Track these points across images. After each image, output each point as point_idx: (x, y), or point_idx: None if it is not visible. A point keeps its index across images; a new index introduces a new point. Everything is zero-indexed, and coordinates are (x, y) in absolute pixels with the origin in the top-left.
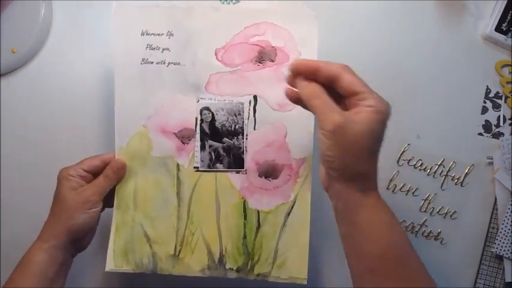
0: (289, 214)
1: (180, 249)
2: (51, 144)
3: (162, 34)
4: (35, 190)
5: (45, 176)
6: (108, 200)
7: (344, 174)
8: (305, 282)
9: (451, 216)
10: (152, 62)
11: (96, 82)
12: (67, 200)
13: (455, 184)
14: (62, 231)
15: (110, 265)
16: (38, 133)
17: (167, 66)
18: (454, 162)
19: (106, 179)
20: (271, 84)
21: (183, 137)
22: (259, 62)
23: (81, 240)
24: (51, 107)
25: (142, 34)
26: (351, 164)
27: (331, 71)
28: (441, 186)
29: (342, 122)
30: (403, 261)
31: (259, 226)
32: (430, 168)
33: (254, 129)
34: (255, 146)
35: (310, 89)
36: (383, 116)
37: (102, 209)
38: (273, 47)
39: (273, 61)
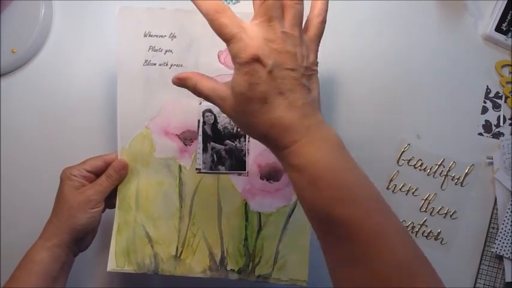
0: (290, 216)
1: (182, 250)
2: (51, 144)
3: (165, 36)
4: (35, 190)
5: (46, 176)
6: (110, 201)
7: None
8: (305, 285)
9: (451, 216)
10: (155, 64)
11: (96, 82)
12: (69, 199)
13: (455, 184)
14: (64, 230)
15: (112, 265)
16: (38, 133)
17: (170, 68)
18: (454, 162)
19: (108, 179)
20: None
21: (186, 138)
22: None
23: (82, 239)
24: (51, 107)
25: (145, 36)
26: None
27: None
28: (441, 186)
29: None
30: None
31: (260, 228)
32: (430, 168)
33: None
34: (256, 148)
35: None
36: None
37: (104, 210)
38: None
39: None
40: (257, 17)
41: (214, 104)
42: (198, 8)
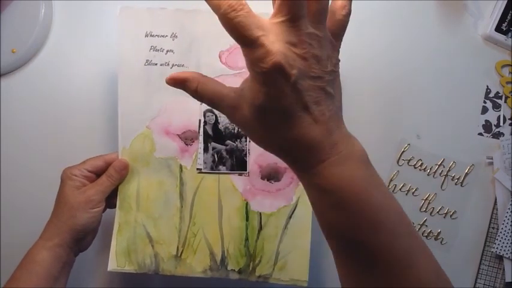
0: (290, 217)
1: (182, 250)
2: (52, 144)
3: (166, 36)
4: (35, 190)
5: (46, 176)
6: (110, 201)
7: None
8: (306, 285)
9: (451, 216)
10: (156, 64)
11: (96, 82)
12: (70, 199)
13: (455, 184)
14: (65, 230)
15: (112, 265)
16: (38, 133)
17: (171, 68)
18: (454, 162)
19: (109, 179)
20: None
21: (187, 138)
22: None
23: (83, 239)
24: (51, 107)
25: (147, 36)
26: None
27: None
28: (441, 186)
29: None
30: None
31: (261, 228)
32: (430, 168)
33: None
34: (257, 148)
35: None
36: None
37: (104, 210)
38: None
39: None
40: (278, 15)
41: (220, 111)
42: (209, 4)
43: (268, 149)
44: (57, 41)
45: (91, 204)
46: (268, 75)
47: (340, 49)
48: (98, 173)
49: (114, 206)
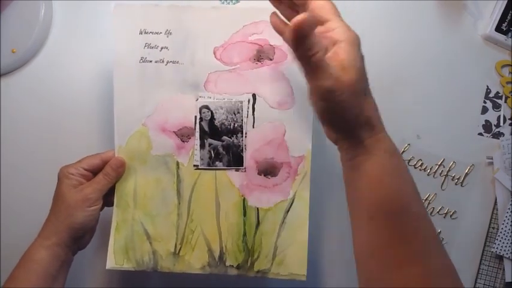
0: (288, 211)
1: (181, 247)
2: (51, 144)
3: (161, 33)
4: (35, 189)
5: (46, 175)
6: (108, 199)
7: (346, 128)
8: (304, 279)
9: (451, 216)
10: (151, 61)
11: (96, 82)
12: (67, 198)
13: (455, 184)
14: (62, 229)
15: (111, 263)
16: (38, 133)
17: (166, 64)
18: (454, 162)
19: (106, 177)
20: (270, 83)
21: (183, 135)
22: (258, 61)
23: (81, 238)
24: (51, 107)
25: (141, 33)
26: (350, 117)
27: None
28: (441, 186)
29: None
30: (404, 210)
31: (258, 223)
32: (430, 168)
33: (253, 127)
34: (254, 144)
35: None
36: (358, 46)
37: (102, 208)
38: (271, 45)
39: (271, 59)
40: None
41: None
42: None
43: (338, 124)
44: (57, 41)
45: (88, 203)
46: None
47: None
48: (95, 171)
49: (112, 204)
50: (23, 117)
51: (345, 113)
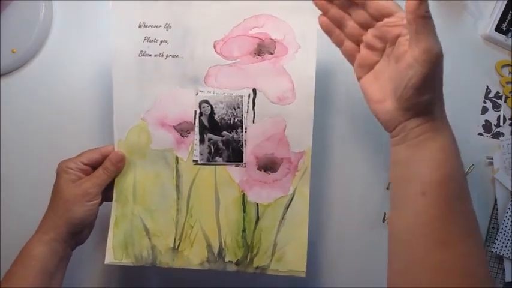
0: (288, 207)
1: (180, 242)
2: (51, 144)
3: (160, 26)
4: (35, 189)
5: (46, 175)
6: (107, 194)
7: (430, 100)
8: (303, 275)
9: None
10: (150, 55)
11: (96, 82)
12: (66, 192)
13: None
14: (61, 224)
15: (110, 258)
16: (38, 133)
17: (165, 58)
18: None
19: (105, 171)
20: (270, 77)
21: (182, 130)
22: (258, 55)
23: (79, 233)
24: (51, 107)
25: (140, 26)
26: (435, 96)
27: None
28: None
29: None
30: (459, 191)
31: (258, 219)
32: None
33: (253, 122)
34: (254, 139)
35: None
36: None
37: (101, 203)
38: (272, 39)
39: (272, 54)
40: None
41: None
42: None
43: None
44: (57, 41)
45: (87, 198)
46: None
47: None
48: (94, 166)
49: (111, 199)
50: (23, 117)
51: (437, 82)
